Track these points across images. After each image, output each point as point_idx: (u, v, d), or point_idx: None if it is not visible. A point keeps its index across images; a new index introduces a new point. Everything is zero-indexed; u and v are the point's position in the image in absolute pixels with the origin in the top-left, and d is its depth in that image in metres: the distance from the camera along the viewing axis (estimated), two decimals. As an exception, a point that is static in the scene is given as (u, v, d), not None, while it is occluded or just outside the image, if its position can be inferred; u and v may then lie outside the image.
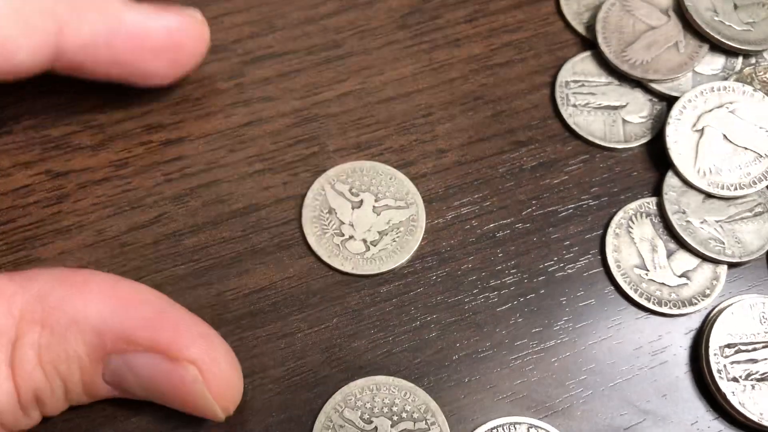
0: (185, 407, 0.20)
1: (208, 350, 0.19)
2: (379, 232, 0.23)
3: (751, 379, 0.22)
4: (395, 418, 0.21)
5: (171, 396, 0.19)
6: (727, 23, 0.26)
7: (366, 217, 0.23)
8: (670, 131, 0.25)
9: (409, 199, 0.24)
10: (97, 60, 0.22)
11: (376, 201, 0.23)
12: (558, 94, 0.26)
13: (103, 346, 0.19)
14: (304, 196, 0.24)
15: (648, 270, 0.24)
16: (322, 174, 0.24)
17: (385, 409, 0.21)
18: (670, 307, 0.23)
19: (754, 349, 0.22)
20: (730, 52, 0.26)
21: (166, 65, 0.23)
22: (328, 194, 0.24)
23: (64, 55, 0.22)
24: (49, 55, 0.21)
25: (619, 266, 0.24)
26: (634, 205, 0.24)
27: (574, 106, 0.26)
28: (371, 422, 0.21)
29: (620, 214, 0.24)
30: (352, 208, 0.23)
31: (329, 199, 0.24)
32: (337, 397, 0.21)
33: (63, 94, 0.25)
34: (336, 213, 0.23)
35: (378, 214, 0.23)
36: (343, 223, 0.23)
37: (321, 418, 0.21)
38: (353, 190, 0.24)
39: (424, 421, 0.21)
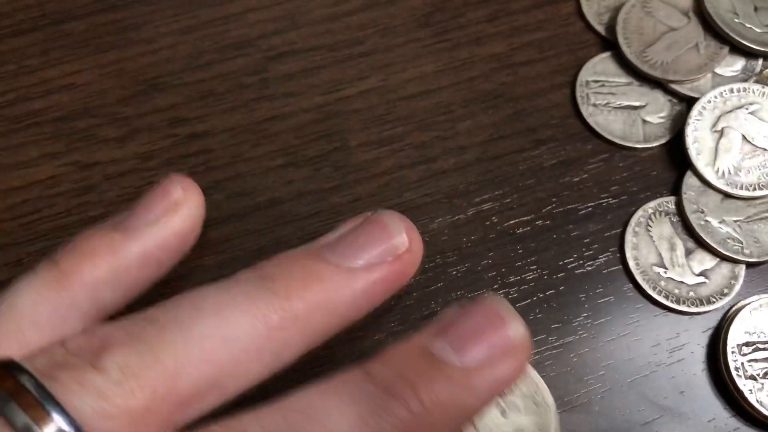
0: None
1: None
2: None
3: (769, 378, 0.22)
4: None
5: None
6: (747, 25, 0.26)
7: (492, 421, 0.21)
8: (689, 131, 0.25)
9: (537, 397, 0.22)
10: None
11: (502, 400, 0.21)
12: (578, 94, 0.26)
13: None
14: None
15: (666, 268, 0.24)
16: None
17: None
18: (688, 305, 0.23)
19: (772, 348, 0.22)
20: (750, 54, 0.26)
21: None
22: None
23: None
24: None
25: (637, 264, 0.24)
26: (653, 204, 0.25)
27: (594, 105, 0.26)
28: None
29: (639, 212, 0.24)
30: None
31: None
32: None
33: (89, 86, 0.26)
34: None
35: (505, 418, 0.21)
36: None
37: None
38: None
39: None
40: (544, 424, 0.21)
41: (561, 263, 0.24)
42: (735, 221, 0.24)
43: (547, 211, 0.25)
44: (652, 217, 0.24)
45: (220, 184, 0.24)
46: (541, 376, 0.22)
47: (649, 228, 0.24)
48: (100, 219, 0.23)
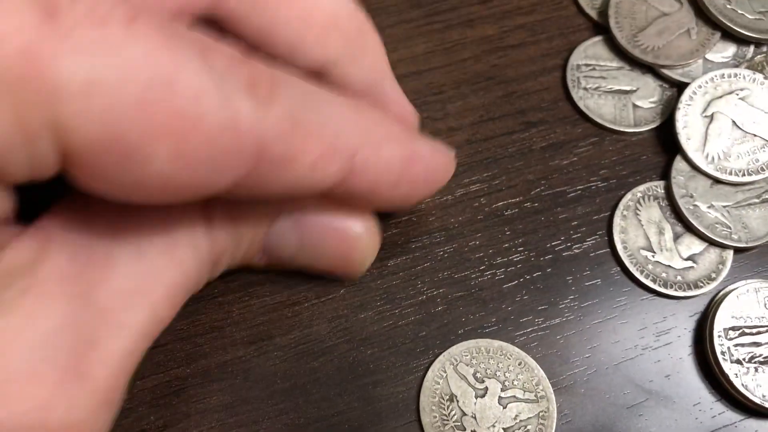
0: (339, 266, 0.21)
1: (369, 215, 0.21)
2: (505, 429, 0.21)
3: (755, 362, 0.22)
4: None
5: (331, 254, 0.21)
6: (739, 11, 0.26)
7: (491, 410, 0.21)
8: (679, 116, 0.25)
9: (539, 391, 0.22)
10: (376, 195, 0.19)
11: (502, 390, 0.22)
12: (569, 77, 0.26)
13: (279, 203, 0.19)
14: (423, 376, 0.22)
15: (654, 252, 0.24)
16: (445, 351, 0.22)
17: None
18: (676, 289, 0.23)
19: (758, 333, 0.22)
20: (741, 40, 0.26)
21: (408, 201, 0.21)
22: (449, 376, 0.22)
23: (353, 183, 0.18)
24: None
25: (625, 247, 0.24)
26: (642, 188, 0.25)
27: (585, 89, 0.26)
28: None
29: (628, 196, 0.24)
30: (476, 397, 0.21)
31: (450, 382, 0.22)
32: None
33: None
34: (458, 401, 0.21)
35: (504, 407, 0.21)
36: (465, 415, 0.21)
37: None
38: (477, 375, 0.22)
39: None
40: (545, 414, 0.21)
41: (549, 245, 0.24)
42: (724, 206, 0.24)
43: (536, 193, 0.24)
44: (641, 201, 0.24)
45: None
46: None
47: (638, 212, 0.24)
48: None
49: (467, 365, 0.22)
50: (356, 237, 0.21)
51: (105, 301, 0.16)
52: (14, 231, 0.16)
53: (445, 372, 0.22)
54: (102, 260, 0.16)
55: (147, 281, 0.16)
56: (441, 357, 0.22)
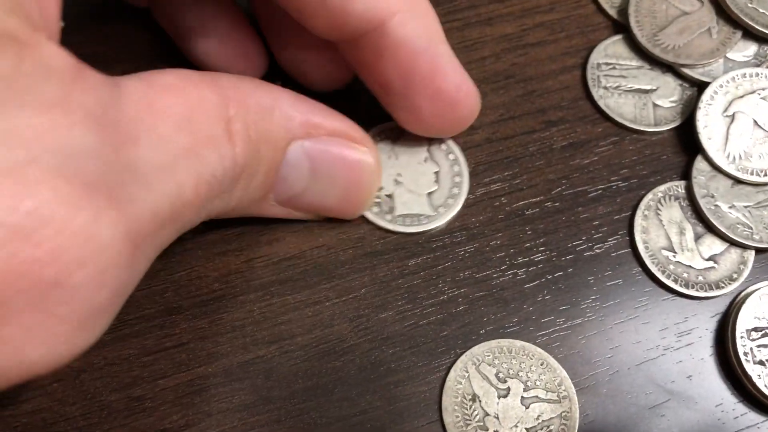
0: (347, 198, 0.22)
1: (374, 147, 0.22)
2: (527, 429, 0.21)
3: (777, 363, 0.22)
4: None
5: (340, 183, 0.22)
6: (761, 10, 0.26)
7: (513, 410, 0.21)
8: (700, 116, 0.25)
9: (561, 391, 0.22)
10: (395, 60, 0.21)
11: (525, 390, 0.21)
12: (589, 76, 0.26)
13: (291, 129, 0.20)
14: (445, 376, 0.22)
15: (675, 252, 0.24)
16: (467, 351, 0.22)
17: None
18: (697, 290, 0.23)
19: (781, 334, 0.22)
20: (763, 39, 0.26)
21: (432, 112, 0.22)
22: (471, 376, 0.22)
23: (384, 37, 0.21)
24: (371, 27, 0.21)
25: (647, 247, 0.24)
26: (663, 187, 0.24)
27: (605, 88, 0.26)
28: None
29: (649, 196, 0.24)
30: (498, 397, 0.21)
31: (473, 381, 0.21)
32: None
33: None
34: (480, 401, 0.21)
35: (527, 407, 0.21)
36: (488, 415, 0.21)
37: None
38: (500, 375, 0.22)
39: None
40: (567, 414, 0.21)
41: (570, 245, 0.24)
42: (745, 206, 0.24)
43: (557, 192, 0.24)
44: (662, 201, 0.24)
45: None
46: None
47: (659, 212, 0.24)
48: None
49: (489, 365, 0.22)
50: (364, 163, 0.22)
51: (135, 161, 0.15)
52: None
53: (467, 372, 0.22)
54: (127, 134, 0.15)
55: (175, 162, 0.16)
56: (463, 357, 0.22)
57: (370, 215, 0.23)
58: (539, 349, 0.22)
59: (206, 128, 0.17)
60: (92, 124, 0.14)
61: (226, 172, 0.18)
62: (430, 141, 0.24)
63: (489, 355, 0.22)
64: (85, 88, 0.14)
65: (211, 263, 0.22)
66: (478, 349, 0.22)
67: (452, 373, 0.22)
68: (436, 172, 0.24)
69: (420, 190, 0.24)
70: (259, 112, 0.19)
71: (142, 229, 0.15)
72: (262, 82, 0.20)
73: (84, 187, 0.13)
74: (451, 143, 0.24)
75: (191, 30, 0.24)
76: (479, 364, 0.22)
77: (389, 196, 0.24)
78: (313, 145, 0.20)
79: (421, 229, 0.23)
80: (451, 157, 0.24)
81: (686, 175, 0.25)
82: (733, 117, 0.25)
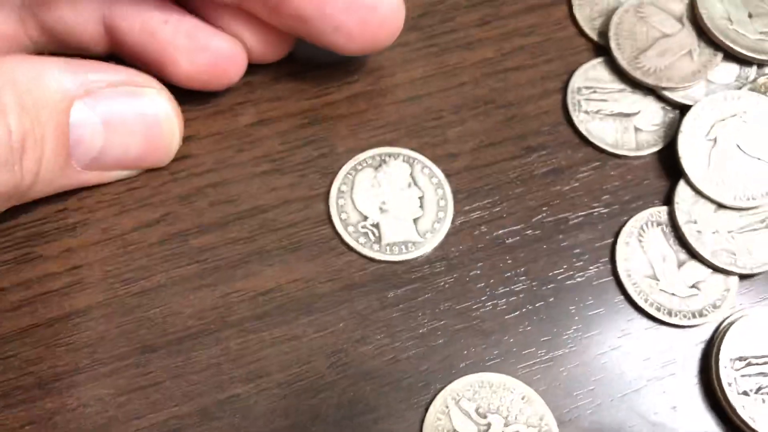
0: (150, 144, 0.22)
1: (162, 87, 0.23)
2: None
3: (762, 393, 0.22)
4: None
5: (138, 130, 0.22)
6: (741, 32, 0.26)
7: None
8: (682, 140, 0.24)
9: (543, 426, 0.21)
10: None
11: (505, 426, 0.21)
12: (570, 100, 0.26)
13: (67, 90, 0.20)
14: (424, 412, 0.21)
15: (658, 280, 0.23)
16: (447, 387, 0.21)
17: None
18: (680, 318, 0.23)
19: (765, 363, 0.22)
20: (744, 61, 0.26)
21: (356, 23, 0.22)
22: (452, 412, 0.21)
23: None
24: None
25: (629, 275, 0.23)
26: (645, 214, 0.24)
27: (586, 112, 0.26)
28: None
29: (631, 222, 0.24)
30: None
31: (453, 418, 0.21)
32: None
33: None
34: None
35: None
36: None
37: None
38: (480, 410, 0.21)
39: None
40: None
41: (551, 274, 0.23)
42: (728, 232, 0.24)
43: (537, 220, 0.24)
44: (644, 227, 0.24)
45: (203, 190, 0.24)
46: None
47: (641, 238, 0.24)
48: (80, 226, 0.23)
49: (469, 400, 0.21)
50: (154, 102, 0.22)
51: None
52: None
53: (447, 407, 0.21)
54: None
55: None
56: (443, 392, 0.21)
57: (357, 246, 0.23)
58: (520, 383, 0.22)
59: None
60: None
61: (1, 144, 0.18)
62: (412, 166, 0.24)
63: (469, 390, 0.21)
64: None
65: (185, 299, 0.22)
66: (457, 384, 0.22)
67: (432, 409, 0.21)
68: (421, 197, 0.24)
69: (406, 216, 0.24)
70: (27, 82, 0.19)
71: None
72: (29, 56, 0.21)
73: None
74: (434, 168, 0.24)
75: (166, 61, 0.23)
76: (459, 400, 0.21)
77: (375, 225, 0.23)
78: (97, 100, 0.21)
79: (410, 257, 0.23)
80: (434, 180, 0.24)
81: (669, 201, 0.24)
82: (715, 141, 0.24)
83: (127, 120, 0.22)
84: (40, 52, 0.24)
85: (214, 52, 0.23)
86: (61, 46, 0.23)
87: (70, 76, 0.20)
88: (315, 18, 0.22)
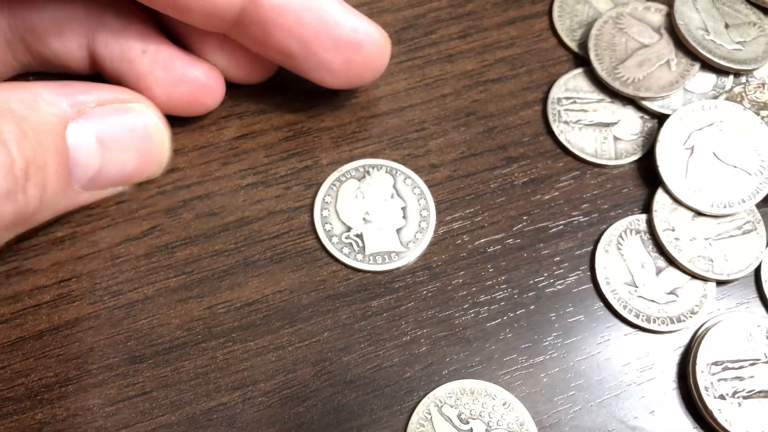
0: (144, 157, 0.23)
1: (147, 101, 0.23)
2: None
3: (738, 397, 0.22)
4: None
5: (131, 145, 0.22)
6: (718, 42, 0.26)
7: None
8: (660, 149, 0.25)
9: (524, 431, 0.21)
10: (282, 26, 0.22)
11: (487, 431, 0.21)
12: (550, 111, 0.26)
13: (62, 113, 0.20)
14: (408, 419, 0.22)
15: (637, 287, 0.24)
16: (430, 393, 0.22)
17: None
18: (659, 324, 0.23)
19: (741, 367, 0.22)
20: (720, 71, 0.26)
21: (341, 62, 0.23)
22: (434, 418, 0.22)
23: (260, 8, 0.22)
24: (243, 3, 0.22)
25: (608, 283, 0.24)
26: (624, 222, 0.25)
27: (566, 122, 0.26)
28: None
29: (610, 230, 0.24)
30: None
31: (435, 424, 0.21)
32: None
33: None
34: None
35: None
36: None
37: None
38: (462, 416, 0.22)
39: None
40: None
41: (531, 282, 0.24)
42: (705, 239, 0.24)
43: (518, 229, 0.24)
44: (623, 235, 0.24)
45: (189, 203, 0.24)
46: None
47: (620, 246, 0.24)
48: (68, 240, 0.23)
49: (452, 407, 0.22)
50: (142, 117, 0.22)
51: None
52: None
53: (429, 414, 0.22)
54: None
55: None
56: (425, 399, 0.22)
57: (341, 257, 0.23)
58: (501, 389, 0.22)
59: None
60: None
61: (5, 173, 0.18)
62: (395, 177, 0.25)
63: (451, 397, 0.22)
64: None
65: (172, 310, 0.23)
66: (440, 391, 0.22)
67: (415, 416, 0.22)
68: (403, 208, 0.24)
69: (389, 226, 0.24)
70: (23, 109, 0.19)
71: None
72: (19, 83, 0.21)
73: None
74: (416, 178, 0.25)
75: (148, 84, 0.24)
76: (441, 406, 0.22)
77: (359, 236, 0.24)
78: (89, 120, 0.21)
79: (393, 267, 0.23)
80: (416, 191, 0.25)
81: (647, 209, 0.25)
82: (692, 149, 0.25)
83: (119, 136, 0.22)
84: (26, 72, 0.24)
85: (190, 83, 0.23)
86: (47, 68, 0.24)
87: (62, 99, 0.21)
88: (300, 55, 0.23)
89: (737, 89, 0.26)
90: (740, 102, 0.26)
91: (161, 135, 0.23)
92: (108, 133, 0.21)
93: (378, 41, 0.23)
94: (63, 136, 0.20)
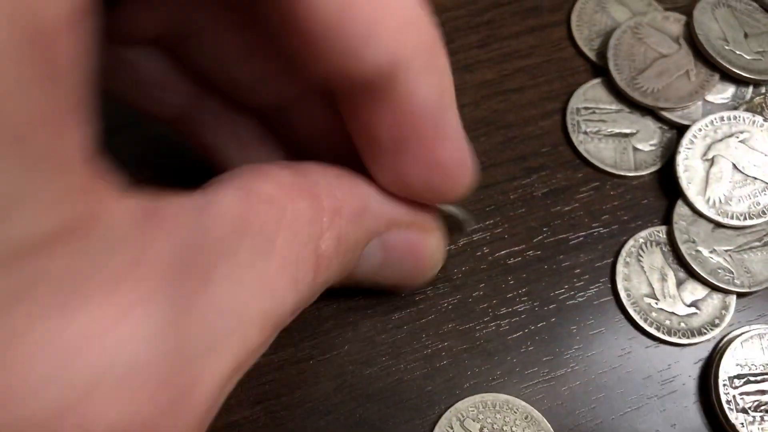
0: (411, 277, 0.21)
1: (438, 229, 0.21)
2: None
3: (761, 411, 0.22)
4: None
5: (408, 266, 0.21)
6: (737, 52, 0.26)
7: None
8: (680, 160, 0.25)
9: None
10: (403, 111, 0.18)
11: None
12: (569, 121, 0.26)
13: (377, 229, 0.19)
14: (431, 431, 0.22)
15: (658, 299, 0.24)
16: (452, 407, 0.22)
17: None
18: (680, 337, 0.23)
19: (764, 380, 0.22)
20: (740, 81, 0.26)
21: (418, 174, 0.19)
22: None
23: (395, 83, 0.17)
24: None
25: (629, 295, 0.24)
26: (644, 233, 0.25)
27: (585, 133, 0.26)
28: None
29: (630, 242, 0.24)
30: None
31: None
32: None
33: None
34: None
35: None
36: None
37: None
38: (484, 430, 0.22)
39: None
40: None
41: (552, 294, 0.24)
42: (726, 251, 0.24)
43: (539, 241, 0.24)
44: (643, 247, 0.24)
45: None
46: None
47: (641, 258, 0.24)
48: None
49: (474, 420, 0.22)
50: (432, 248, 0.21)
51: (201, 316, 0.13)
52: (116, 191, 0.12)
53: (452, 428, 0.22)
54: (202, 270, 0.13)
55: (246, 304, 0.14)
56: (447, 413, 0.22)
57: None
58: (523, 402, 0.22)
59: (293, 252, 0.15)
60: (166, 291, 0.12)
61: (300, 303, 0.16)
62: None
63: (473, 410, 0.22)
64: (157, 237, 0.12)
65: (194, 324, 0.23)
66: (462, 405, 0.22)
67: (437, 430, 0.22)
68: None
69: None
70: (352, 220, 0.17)
71: (206, 411, 0.13)
72: (352, 174, 0.18)
73: (146, 392, 0.12)
74: None
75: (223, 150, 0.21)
76: (464, 420, 0.22)
77: None
78: (388, 239, 0.20)
79: None
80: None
81: (667, 220, 0.25)
82: (712, 161, 0.25)
83: (404, 259, 0.20)
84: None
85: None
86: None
87: (384, 214, 0.19)
88: (385, 149, 0.19)
89: (757, 99, 0.26)
90: (760, 113, 0.26)
91: (436, 261, 0.22)
92: (396, 254, 0.20)
93: (469, 181, 0.19)
94: (362, 249, 0.19)
